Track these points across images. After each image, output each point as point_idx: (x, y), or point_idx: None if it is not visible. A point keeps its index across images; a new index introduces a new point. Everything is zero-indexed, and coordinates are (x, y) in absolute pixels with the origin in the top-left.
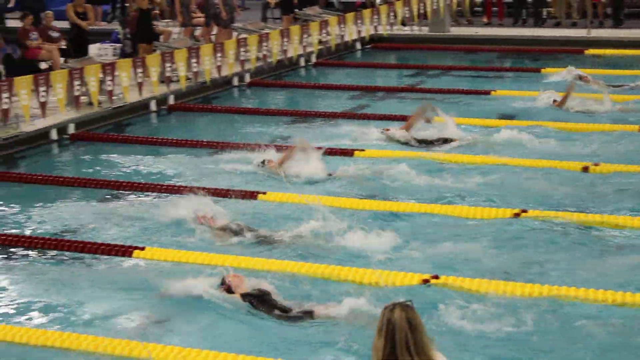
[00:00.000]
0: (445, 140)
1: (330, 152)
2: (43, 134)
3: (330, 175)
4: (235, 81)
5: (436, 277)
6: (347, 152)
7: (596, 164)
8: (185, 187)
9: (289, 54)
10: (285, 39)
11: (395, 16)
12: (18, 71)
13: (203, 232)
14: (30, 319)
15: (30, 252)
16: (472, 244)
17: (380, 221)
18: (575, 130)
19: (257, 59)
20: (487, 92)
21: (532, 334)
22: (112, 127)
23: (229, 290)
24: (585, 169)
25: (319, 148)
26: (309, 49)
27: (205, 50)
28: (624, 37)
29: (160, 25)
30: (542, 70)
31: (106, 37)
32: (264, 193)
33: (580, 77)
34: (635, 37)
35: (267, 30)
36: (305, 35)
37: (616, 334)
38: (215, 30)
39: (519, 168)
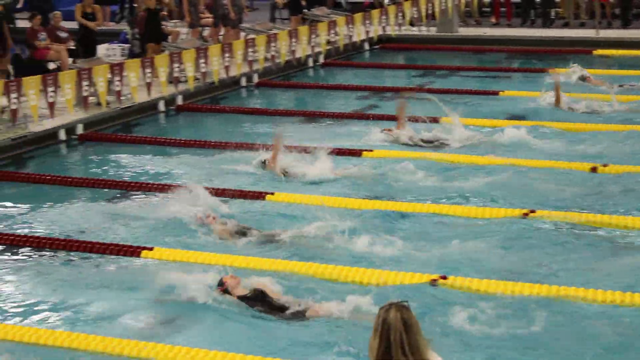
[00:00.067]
0: (449, 141)
1: (338, 152)
2: (51, 134)
3: (337, 175)
4: (244, 81)
5: (444, 277)
6: (355, 153)
7: (605, 165)
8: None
9: (297, 55)
10: (293, 40)
11: (403, 16)
12: (26, 71)
13: (208, 232)
14: (38, 319)
15: (38, 253)
16: (480, 244)
17: (388, 221)
18: (583, 130)
19: (265, 59)
20: (496, 93)
21: (540, 334)
22: (121, 127)
23: (226, 291)
24: (594, 170)
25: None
26: (317, 50)
27: (214, 51)
28: (632, 37)
29: (168, 25)
30: (551, 70)
31: (114, 38)
32: (272, 194)
33: (584, 78)
34: None
35: (275, 31)
36: (313, 36)
37: (625, 335)
38: (223, 30)
39: (527, 168)
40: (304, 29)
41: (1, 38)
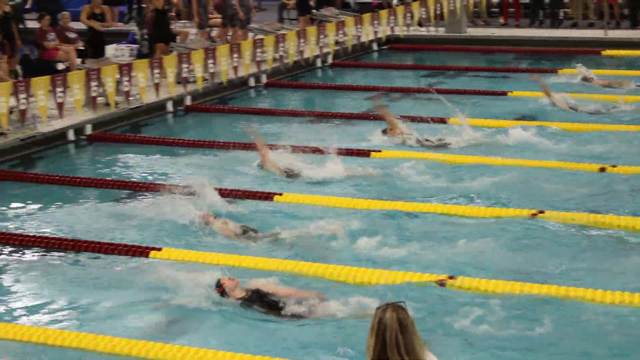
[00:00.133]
0: (456, 142)
1: (347, 152)
2: (60, 134)
3: (345, 175)
4: (252, 82)
5: (452, 277)
6: (363, 153)
7: (613, 165)
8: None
9: (306, 55)
10: (301, 40)
11: (411, 17)
12: (35, 72)
13: (215, 232)
14: (47, 319)
15: (47, 253)
16: (488, 245)
17: (395, 222)
18: (592, 130)
19: (274, 59)
20: (504, 93)
21: (548, 335)
22: (129, 127)
23: (223, 293)
24: (603, 170)
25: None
26: (325, 50)
27: (222, 51)
28: None
29: (177, 26)
30: (559, 71)
31: (123, 38)
32: (280, 194)
33: (586, 78)
34: None
35: (283, 31)
36: (321, 36)
37: (633, 336)
38: (231, 31)
39: (535, 169)
40: (312, 30)
41: (10, 39)
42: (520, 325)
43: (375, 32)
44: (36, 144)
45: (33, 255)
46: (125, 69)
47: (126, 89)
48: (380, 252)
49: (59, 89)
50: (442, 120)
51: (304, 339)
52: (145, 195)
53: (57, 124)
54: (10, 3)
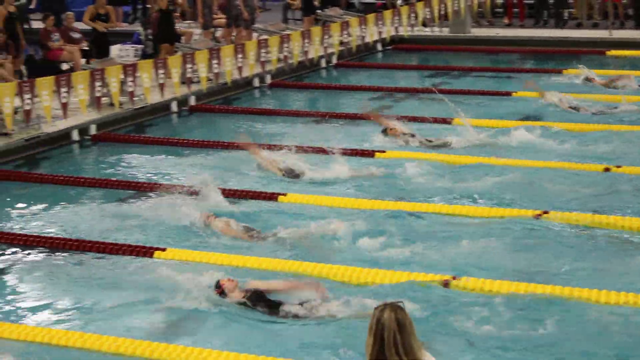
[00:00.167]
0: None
1: (351, 153)
2: (64, 134)
3: (348, 176)
4: (256, 82)
5: (456, 278)
6: (367, 153)
7: (618, 166)
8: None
9: (310, 55)
10: (306, 40)
11: (416, 17)
12: (40, 72)
13: (219, 233)
14: (51, 319)
15: (51, 253)
16: (492, 245)
17: (399, 222)
18: (596, 130)
19: (278, 60)
20: (509, 93)
21: (552, 335)
22: (134, 128)
23: (222, 293)
24: (607, 170)
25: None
26: (329, 50)
27: (227, 52)
28: None
29: (181, 26)
30: (564, 71)
31: (127, 38)
32: (284, 195)
33: (588, 79)
34: None
35: (288, 32)
36: (326, 37)
37: (637, 336)
38: (235, 31)
39: (540, 169)
40: (316, 30)
41: (15, 39)
42: (524, 325)
43: (380, 33)
44: (40, 144)
45: (37, 256)
46: (129, 69)
47: (130, 89)
48: (384, 252)
49: (63, 89)
50: (446, 121)
51: (306, 339)
52: (150, 196)
53: (61, 124)
54: (15, 3)
